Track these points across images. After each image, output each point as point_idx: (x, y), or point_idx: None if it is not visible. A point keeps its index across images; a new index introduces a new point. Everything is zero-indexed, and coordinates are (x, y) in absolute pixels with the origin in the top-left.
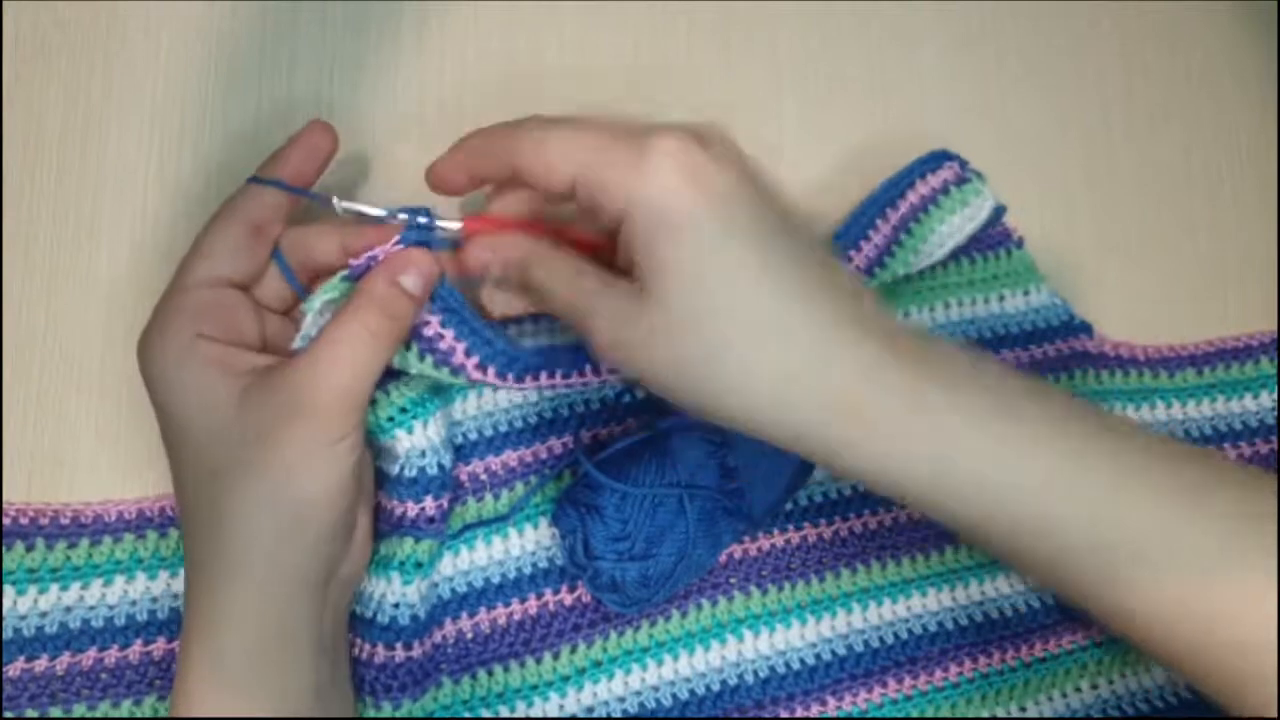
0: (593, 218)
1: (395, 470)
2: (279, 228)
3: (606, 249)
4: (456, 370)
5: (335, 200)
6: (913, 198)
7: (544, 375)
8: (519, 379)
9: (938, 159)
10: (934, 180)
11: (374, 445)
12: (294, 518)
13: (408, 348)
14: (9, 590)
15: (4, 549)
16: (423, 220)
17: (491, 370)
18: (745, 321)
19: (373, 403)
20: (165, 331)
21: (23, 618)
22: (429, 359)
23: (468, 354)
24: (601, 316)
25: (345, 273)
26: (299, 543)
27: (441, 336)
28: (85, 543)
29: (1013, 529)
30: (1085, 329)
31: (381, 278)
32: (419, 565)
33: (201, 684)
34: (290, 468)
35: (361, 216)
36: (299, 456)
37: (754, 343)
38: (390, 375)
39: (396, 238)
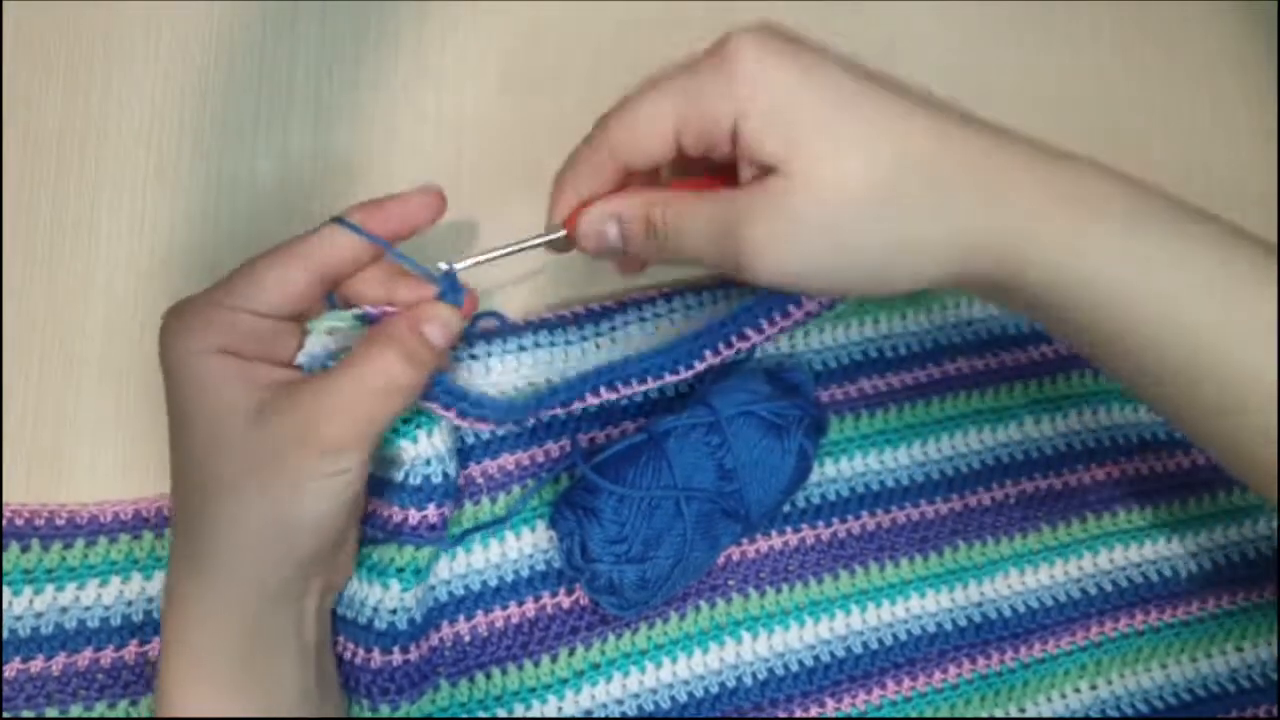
0: (709, 156)
1: (399, 477)
2: (346, 280)
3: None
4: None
5: (434, 265)
6: None
7: (543, 412)
8: (517, 422)
9: None
10: None
11: (376, 453)
12: (284, 538)
13: None
14: (5, 591)
15: (0, 550)
16: (454, 274)
17: (470, 420)
18: (893, 169)
19: None
20: (194, 335)
21: (18, 618)
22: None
23: (461, 416)
24: (753, 219)
25: (359, 312)
26: (284, 561)
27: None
28: (81, 543)
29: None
30: None
31: (404, 322)
32: (418, 572)
33: (181, 685)
34: (289, 491)
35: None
36: (300, 482)
37: (908, 191)
38: None
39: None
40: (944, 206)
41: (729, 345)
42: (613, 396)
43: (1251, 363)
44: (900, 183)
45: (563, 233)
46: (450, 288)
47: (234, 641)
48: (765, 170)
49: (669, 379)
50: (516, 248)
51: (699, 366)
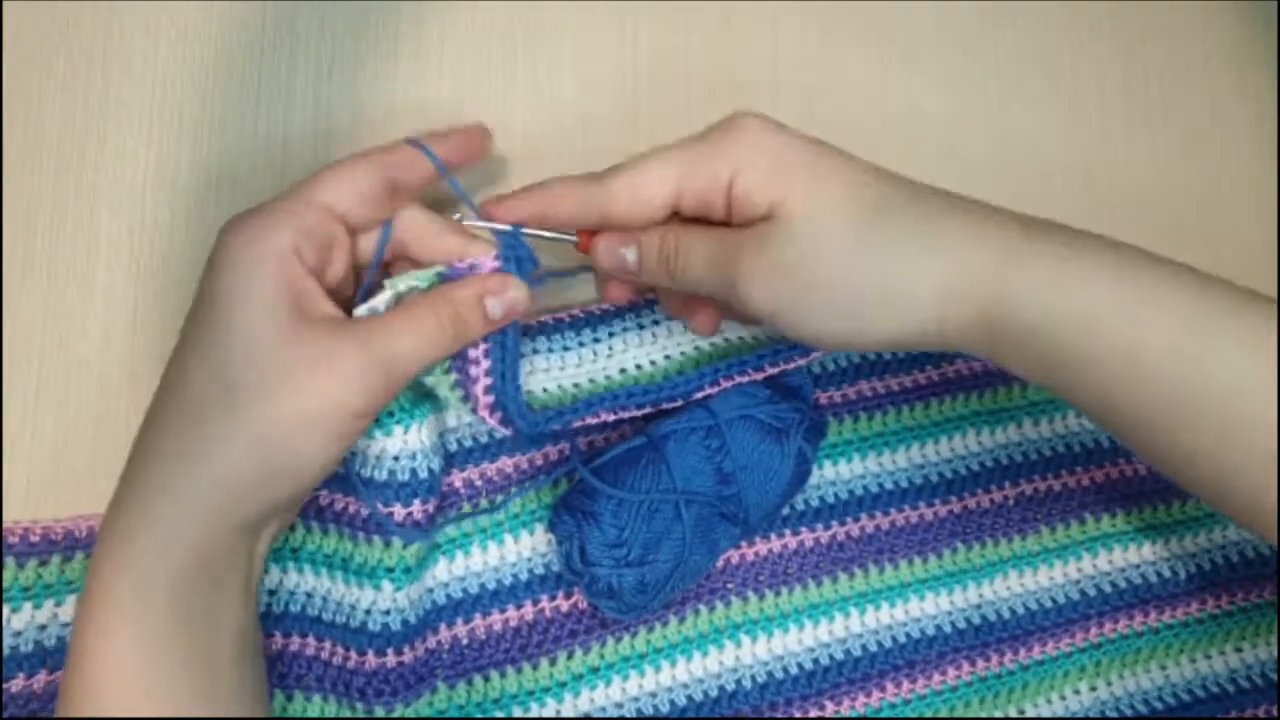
0: (705, 214)
1: (382, 475)
2: (409, 198)
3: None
4: (467, 398)
5: (468, 210)
6: None
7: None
8: (524, 448)
9: None
10: None
11: (359, 451)
12: (275, 473)
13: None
14: (5, 608)
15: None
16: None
17: (498, 416)
18: (876, 210)
19: None
20: (269, 227)
21: (19, 634)
22: (452, 374)
23: (486, 391)
24: (746, 250)
25: (444, 270)
26: (262, 495)
27: (476, 362)
28: (79, 557)
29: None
30: None
31: (473, 288)
32: (408, 570)
33: (119, 611)
34: (300, 426)
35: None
36: (313, 420)
37: (890, 231)
38: None
39: (495, 254)
40: (925, 246)
41: (744, 374)
42: (614, 418)
43: (1253, 395)
44: (883, 224)
45: (575, 238)
46: (514, 254)
47: (182, 574)
48: (760, 219)
49: (677, 403)
50: (535, 233)
51: (710, 390)
